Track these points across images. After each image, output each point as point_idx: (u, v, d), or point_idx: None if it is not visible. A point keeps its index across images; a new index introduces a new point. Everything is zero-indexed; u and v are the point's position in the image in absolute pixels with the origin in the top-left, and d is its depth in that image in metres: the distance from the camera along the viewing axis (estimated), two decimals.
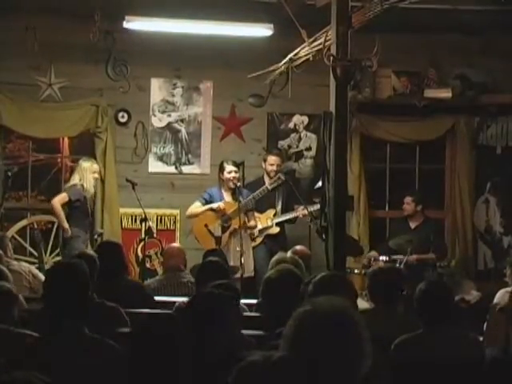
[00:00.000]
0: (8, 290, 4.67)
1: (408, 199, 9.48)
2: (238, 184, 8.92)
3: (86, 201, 9.12)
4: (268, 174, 9.28)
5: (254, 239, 9.05)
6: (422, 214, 9.48)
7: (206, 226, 8.83)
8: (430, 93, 9.90)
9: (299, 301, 4.40)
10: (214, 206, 8.94)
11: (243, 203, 8.77)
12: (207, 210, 8.97)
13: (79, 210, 9.06)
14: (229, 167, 9.03)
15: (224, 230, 8.88)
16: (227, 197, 9.00)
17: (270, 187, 8.99)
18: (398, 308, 5.34)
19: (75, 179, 9.15)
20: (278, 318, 4.66)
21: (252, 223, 9.01)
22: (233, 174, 8.99)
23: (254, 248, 9.03)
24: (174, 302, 6.08)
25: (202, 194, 9.15)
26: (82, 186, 9.09)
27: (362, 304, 7.45)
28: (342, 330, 2.37)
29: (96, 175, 9.22)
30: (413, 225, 9.46)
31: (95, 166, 9.25)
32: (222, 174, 9.06)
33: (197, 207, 9.05)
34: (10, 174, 8.92)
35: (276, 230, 9.15)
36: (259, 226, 9.08)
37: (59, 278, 3.96)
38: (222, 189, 9.09)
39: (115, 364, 3.61)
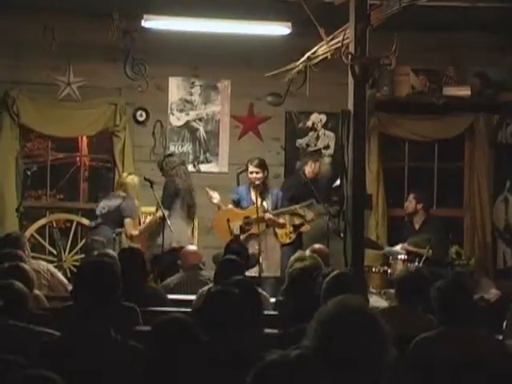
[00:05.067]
0: (18, 288, 4.64)
1: (410, 197, 9.47)
2: (257, 182, 8.87)
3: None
4: (306, 177, 9.31)
5: (289, 236, 9.04)
6: (424, 213, 9.42)
7: (228, 221, 8.83)
8: (449, 91, 9.86)
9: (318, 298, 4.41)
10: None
11: (273, 213, 8.76)
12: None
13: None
14: (250, 167, 8.99)
15: (243, 231, 8.87)
16: (253, 195, 8.93)
17: (299, 208, 8.93)
18: (417, 307, 5.34)
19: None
20: (299, 314, 4.67)
21: (281, 221, 8.98)
22: (254, 175, 8.95)
23: (284, 245, 9.00)
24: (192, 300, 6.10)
25: (232, 196, 9.16)
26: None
27: (381, 302, 7.45)
28: (367, 328, 2.39)
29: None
30: (417, 225, 9.41)
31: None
32: (247, 173, 9.08)
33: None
34: (29, 172, 8.96)
35: (308, 227, 9.15)
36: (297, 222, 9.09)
37: (90, 277, 3.93)
38: (250, 187, 9.06)
39: (139, 366, 3.60)
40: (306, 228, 9.15)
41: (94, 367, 3.68)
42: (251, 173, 8.99)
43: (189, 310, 5.57)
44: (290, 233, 9.05)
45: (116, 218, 8.89)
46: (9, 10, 9.20)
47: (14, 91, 9.48)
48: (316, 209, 9.03)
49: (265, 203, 8.84)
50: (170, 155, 9.27)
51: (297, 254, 6.66)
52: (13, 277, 4.91)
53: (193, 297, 6.56)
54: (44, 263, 7.25)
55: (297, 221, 9.13)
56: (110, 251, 6.10)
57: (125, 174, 9.26)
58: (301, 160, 9.89)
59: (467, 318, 4.68)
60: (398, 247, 9.14)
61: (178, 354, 3.46)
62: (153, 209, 9.08)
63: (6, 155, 9.51)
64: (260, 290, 5.39)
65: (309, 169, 9.45)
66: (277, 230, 8.98)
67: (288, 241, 9.03)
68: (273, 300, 6.38)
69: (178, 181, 8.92)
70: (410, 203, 9.44)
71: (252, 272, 7.92)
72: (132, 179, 9.10)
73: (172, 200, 8.85)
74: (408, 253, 8.95)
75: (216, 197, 8.98)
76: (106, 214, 8.94)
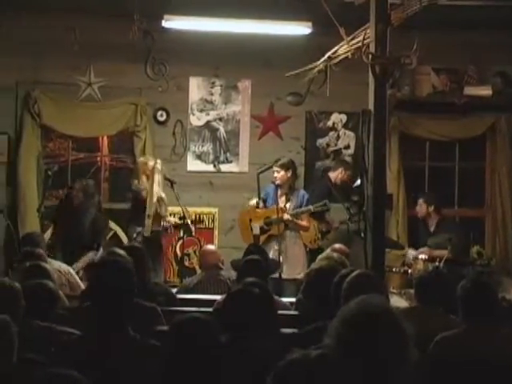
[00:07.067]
0: (51, 288, 4.70)
1: (420, 201, 9.36)
2: (277, 182, 8.83)
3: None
4: (335, 183, 9.35)
5: (317, 243, 8.99)
6: (437, 215, 9.33)
7: (250, 220, 8.85)
8: (470, 90, 9.82)
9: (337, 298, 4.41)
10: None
11: (290, 213, 8.73)
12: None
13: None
14: (273, 167, 8.99)
15: (263, 231, 8.84)
16: (281, 196, 8.89)
17: (313, 209, 8.88)
18: (438, 307, 5.32)
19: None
20: (316, 314, 4.67)
21: (303, 223, 8.90)
22: (274, 174, 8.93)
23: (311, 251, 8.92)
24: (214, 300, 6.10)
25: (261, 194, 9.15)
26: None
27: (402, 303, 7.44)
28: (389, 328, 2.39)
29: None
30: (431, 227, 9.31)
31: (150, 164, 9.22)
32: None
33: (253, 202, 9.01)
34: (50, 172, 8.98)
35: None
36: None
37: (104, 277, 3.94)
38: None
39: (158, 365, 3.60)
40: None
41: (112, 366, 3.68)
42: (273, 172, 8.98)
43: (209, 309, 5.57)
44: (318, 239, 9.02)
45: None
46: (30, 11, 9.24)
47: (36, 91, 9.53)
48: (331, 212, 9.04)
49: (288, 204, 8.82)
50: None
51: (324, 254, 6.66)
52: (34, 276, 4.95)
53: (212, 296, 6.56)
54: (64, 264, 7.27)
55: (324, 227, 9.13)
56: (120, 250, 6.06)
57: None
58: (323, 160, 9.90)
59: (490, 317, 4.67)
60: (420, 251, 9.03)
61: (196, 354, 3.46)
62: (172, 208, 9.07)
63: (28, 155, 9.57)
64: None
65: (338, 175, 9.46)
66: (302, 233, 8.93)
67: (315, 246, 8.96)
68: (293, 300, 6.38)
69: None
70: (421, 207, 9.34)
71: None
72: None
73: None
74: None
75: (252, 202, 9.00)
76: None
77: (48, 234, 8.92)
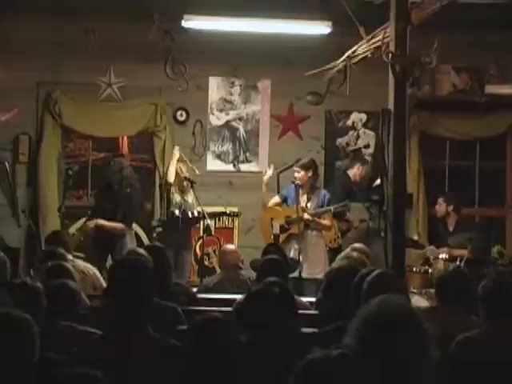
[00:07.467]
0: (72, 288, 4.73)
1: (440, 200, 9.31)
2: (296, 182, 8.82)
3: None
4: (355, 181, 9.42)
5: (337, 242, 8.96)
6: (456, 214, 9.25)
7: (271, 219, 8.86)
8: (491, 89, 9.79)
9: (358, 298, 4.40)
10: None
11: (310, 213, 8.72)
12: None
13: None
14: (294, 167, 8.98)
15: (284, 230, 8.84)
16: (302, 195, 8.88)
17: (333, 210, 8.86)
18: (459, 307, 5.30)
19: None
20: (335, 314, 4.66)
21: (325, 222, 8.88)
22: (295, 174, 8.92)
23: (332, 250, 8.89)
24: (234, 300, 6.10)
25: (282, 191, 9.17)
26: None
27: (422, 302, 7.42)
28: (410, 327, 2.38)
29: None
30: (450, 227, 9.24)
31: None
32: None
33: (275, 200, 9.03)
34: (70, 172, 9.02)
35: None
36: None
37: (124, 276, 3.94)
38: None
39: (179, 364, 3.60)
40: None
41: (133, 365, 3.69)
42: (294, 172, 8.98)
43: (229, 309, 5.57)
44: (338, 238, 9.00)
45: None
46: (50, 12, 9.29)
47: (56, 92, 9.59)
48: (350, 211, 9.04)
49: (309, 204, 8.81)
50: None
51: (344, 253, 6.65)
52: (56, 276, 4.98)
53: (232, 296, 6.56)
54: (90, 265, 7.28)
55: (344, 226, 9.12)
56: (140, 250, 6.05)
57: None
58: (343, 159, 9.91)
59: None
60: (440, 250, 8.98)
61: (215, 354, 3.46)
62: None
63: (49, 155, 9.62)
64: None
65: (356, 171, 9.47)
66: (324, 232, 8.91)
67: (335, 246, 8.94)
68: (313, 299, 6.37)
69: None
70: (440, 206, 9.27)
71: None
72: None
73: None
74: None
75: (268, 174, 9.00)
76: None
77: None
